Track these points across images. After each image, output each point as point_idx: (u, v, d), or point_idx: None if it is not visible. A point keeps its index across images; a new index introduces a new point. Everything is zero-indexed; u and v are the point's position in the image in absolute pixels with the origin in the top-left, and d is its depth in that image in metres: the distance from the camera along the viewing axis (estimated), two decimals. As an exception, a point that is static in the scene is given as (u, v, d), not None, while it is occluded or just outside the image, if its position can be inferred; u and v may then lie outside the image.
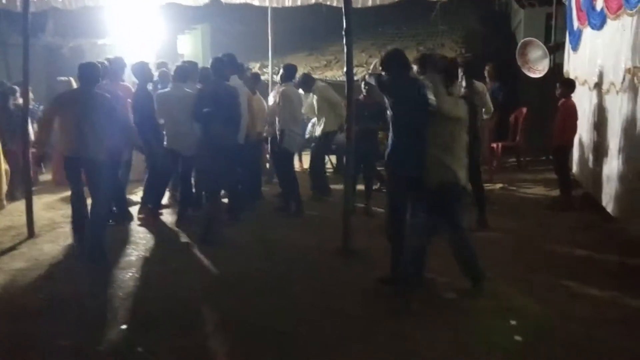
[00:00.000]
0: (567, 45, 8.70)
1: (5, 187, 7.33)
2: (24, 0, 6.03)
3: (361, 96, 6.74)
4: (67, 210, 6.64)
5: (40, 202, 7.38)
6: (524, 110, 9.26)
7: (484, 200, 6.15)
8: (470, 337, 3.69)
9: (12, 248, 5.62)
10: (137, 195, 7.30)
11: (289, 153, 6.99)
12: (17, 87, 7.94)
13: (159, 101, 6.29)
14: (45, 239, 5.93)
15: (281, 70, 7.09)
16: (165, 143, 6.40)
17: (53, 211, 7.08)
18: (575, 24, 7.82)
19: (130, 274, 4.90)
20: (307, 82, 7.52)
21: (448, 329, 3.78)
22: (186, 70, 6.46)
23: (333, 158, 9.56)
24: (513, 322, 3.84)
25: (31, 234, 6.00)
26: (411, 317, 3.95)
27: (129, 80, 7.20)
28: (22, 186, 6.49)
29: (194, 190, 6.72)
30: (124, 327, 3.87)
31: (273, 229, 6.25)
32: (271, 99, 7.64)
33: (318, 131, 7.74)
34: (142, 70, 6.53)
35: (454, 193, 4.27)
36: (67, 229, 6.02)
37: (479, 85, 6.52)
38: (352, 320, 3.92)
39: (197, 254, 5.41)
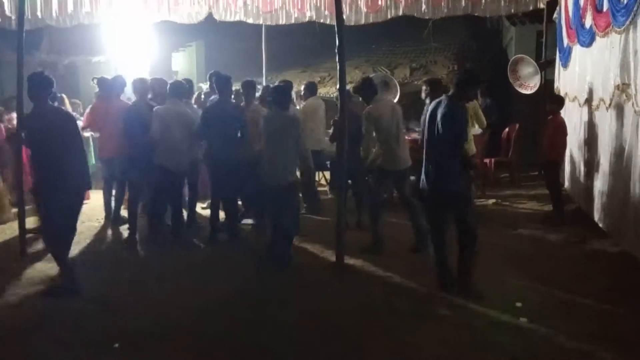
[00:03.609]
0: (558, 62, 8.81)
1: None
2: (19, 18, 6.07)
3: None
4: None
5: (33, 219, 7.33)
6: (517, 126, 9.33)
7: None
8: (463, 352, 3.69)
9: (5, 267, 5.57)
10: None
11: None
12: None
13: (157, 116, 6.11)
14: (37, 258, 5.89)
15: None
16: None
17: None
18: (565, 41, 7.92)
19: (123, 292, 4.88)
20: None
21: (442, 343, 3.78)
22: (182, 87, 6.53)
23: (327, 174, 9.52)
24: (505, 338, 3.85)
25: (23, 252, 5.95)
26: (405, 332, 3.95)
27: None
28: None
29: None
30: (116, 345, 3.85)
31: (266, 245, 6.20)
32: None
33: None
34: (141, 86, 6.61)
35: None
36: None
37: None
38: (346, 336, 3.91)
39: (190, 272, 5.39)
